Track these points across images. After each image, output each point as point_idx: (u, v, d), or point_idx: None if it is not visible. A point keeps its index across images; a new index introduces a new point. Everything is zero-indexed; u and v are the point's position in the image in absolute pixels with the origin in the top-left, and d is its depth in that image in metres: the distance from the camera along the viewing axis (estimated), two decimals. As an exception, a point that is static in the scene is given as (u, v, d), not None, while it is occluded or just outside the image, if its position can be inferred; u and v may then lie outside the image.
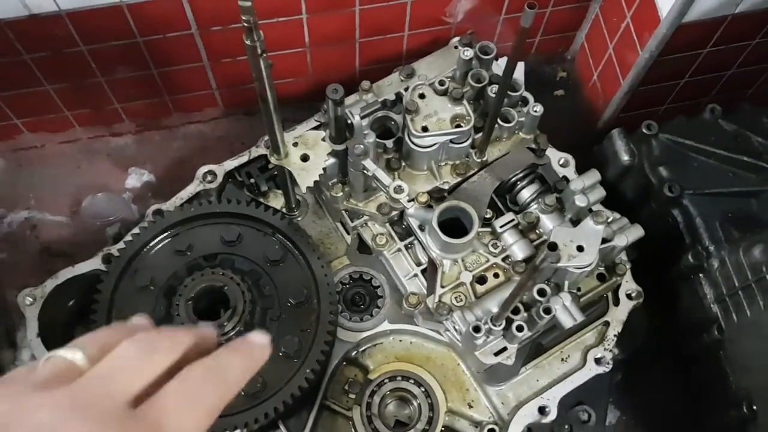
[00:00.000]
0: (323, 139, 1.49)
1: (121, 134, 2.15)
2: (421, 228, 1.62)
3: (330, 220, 1.80)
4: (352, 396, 1.66)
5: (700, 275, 1.73)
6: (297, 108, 1.98)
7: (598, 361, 1.65)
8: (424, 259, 1.65)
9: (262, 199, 1.78)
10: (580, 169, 1.72)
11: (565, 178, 1.73)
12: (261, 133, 1.79)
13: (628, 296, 1.69)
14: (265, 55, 1.13)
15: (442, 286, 1.58)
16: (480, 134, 1.64)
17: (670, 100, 2.08)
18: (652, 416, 1.95)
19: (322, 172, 1.45)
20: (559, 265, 1.41)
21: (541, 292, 1.48)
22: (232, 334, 1.50)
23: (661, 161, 1.82)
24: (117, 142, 2.15)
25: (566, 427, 1.69)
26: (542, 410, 1.61)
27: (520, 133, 1.72)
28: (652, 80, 1.92)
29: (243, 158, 1.80)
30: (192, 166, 1.82)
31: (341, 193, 1.65)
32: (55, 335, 1.67)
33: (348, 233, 1.76)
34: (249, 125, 2.21)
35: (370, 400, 1.65)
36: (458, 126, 1.59)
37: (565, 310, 1.46)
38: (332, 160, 1.54)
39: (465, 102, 1.59)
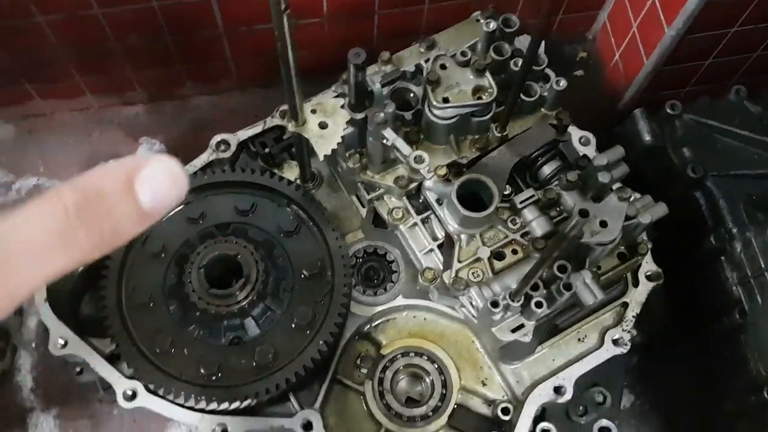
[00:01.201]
0: (342, 107, 1.45)
1: (133, 104, 2.12)
2: (439, 202, 1.58)
3: (345, 194, 1.77)
4: (364, 371, 1.63)
5: (722, 258, 1.69)
6: (313, 81, 1.94)
7: (615, 342, 1.62)
8: (440, 234, 1.62)
9: (276, 170, 1.74)
10: (600, 151, 1.68)
11: (586, 157, 1.69)
12: (275, 106, 1.76)
13: (648, 277, 1.66)
14: (288, 11, 1.10)
15: (459, 261, 1.55)
16: (501, 108, 1.61)
17: (694, 81, 2.03)
18: (667, 402, 1.92)
19: (340, 140, 1.42)
20: (582, 240, 1.38)
21: (562, 269, 1.45)
22: (244, 303, 1.47)
23: (684, 142, 1.78)
24: (128, 112, 2.12)
25: (581, 408, 1.66)
26: (558, 390, 1.58)
27: (542, 109, 1.69)
28: (676, 60, 1.88)
29: (257, 128, 1.76)
30: (204, 137, 1.78)
31: (358, 165, 1.61)
32: (62, 301, 1.64)
33: (363, 207, 1.73)
34: (263, 98, 2.17)
35: (382, 376, 1.63)
36: (480, 98, 1.55)
37: (585, 287, 1.43)
38: (351, 129, 1.51)
39: (488, 74, 1.55)
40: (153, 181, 0.56)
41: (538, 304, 1.45)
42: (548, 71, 1.69)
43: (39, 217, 0.52)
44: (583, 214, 1.00)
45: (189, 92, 2.13)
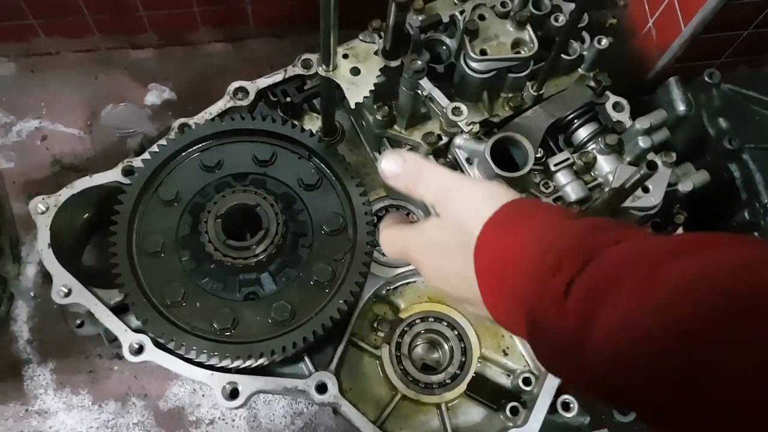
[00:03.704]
0: (376, 53, 1.37)
1: (142, 47, 2.01)
2: (469, 161, 1.51)
3: (367, 149, 1.68)
4: (381, 334, 1.57)
5: (755, 233, 1.63)
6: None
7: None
8: (468, 195, 1.55)
9: (296, 121, 1.66)
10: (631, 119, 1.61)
11: (620, 122, 1.62)
12: (291, 58, 1.66)
13: (678, 251, 1.60)
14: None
15: (488, 224, 1.48)
16: (538, 66, 1.53)
17: (730, 52, 1.96)
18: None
19: (372, 88, 1.34)
20: (623, 205, 1.31)
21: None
22: (262, 257, 1.39)
23: (721, 112, 1.71)
24: (137, 55, 2.02)
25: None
26: (581, 362, 1.52)
27: (580, 69, 1.61)
28: (716, 28, 1.80)
29: (278, 77, 1.67)
30: (215, 86, 1.70)
31: (386, 118, 1.53)
32: (66, 248, 1.56)
33: (386, 163, 1.64)
34: (278, 48, 2.08)
35: (399, 340, 1.56)
36: (519, 53, 1.47)
37: (622, 255, 1.36)
38: (383, 78, 1.42)
39: (528, 27, 1.47)
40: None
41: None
42: (584, 33, 1.62)
43: None
44: (652, 166, 0.93)
45: (202, 38, 2.03)
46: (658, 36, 1.99)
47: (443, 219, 0.92)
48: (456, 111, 1.38)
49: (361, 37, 1.65)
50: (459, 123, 1.38)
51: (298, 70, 1.67)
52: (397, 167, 0.97)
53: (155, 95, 1.98)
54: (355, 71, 1.34)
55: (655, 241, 0.74)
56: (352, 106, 1.33)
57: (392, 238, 1.02)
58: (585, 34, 1.62)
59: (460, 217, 0.88)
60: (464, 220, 0.87)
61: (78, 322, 1.57)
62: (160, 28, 1.96)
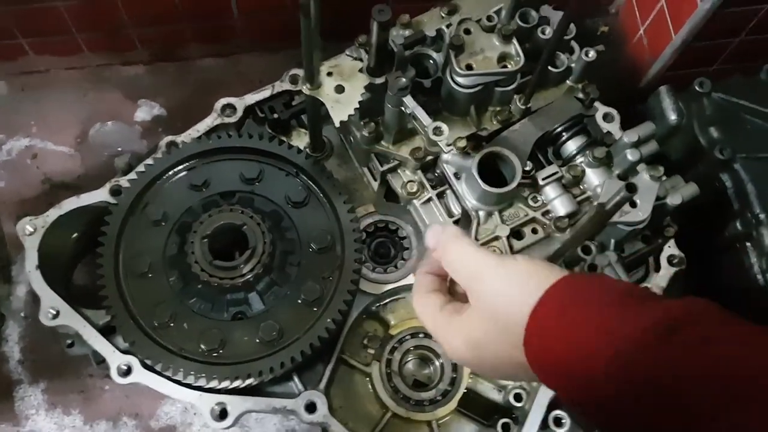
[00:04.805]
0: (360, 71, 1.36)
1: (133, 63, 2.01)
2: (457, 176, 1.49)
3: (356, 165, 1.68)
4: (371, 351, 1.56)
5: (747, 244, 1.62)
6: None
7: (634, 328, 1.54)
8: (457, 210, 1.54)
9: (284, 137, 1.65)
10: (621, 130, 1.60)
11: (609, 134, 1.61)
12: (281, 72, 1.66)
13: (670, 262, 1.59)
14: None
15: (476, 239, 1.47)
16: (526, 79, 1.52)
17: (722, 59, 1.95)
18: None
19: (357, 105, 1.33)
20: (612, 220, 1.30)
21: (586, 250, 1.37)
22: (249, 277, 1.39)
23: (712, 121, 1.70)
24: (128, 72, 2.01)
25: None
26: (573, 377, 1.50)
27: (568, 81, 1.60)
28: (707, 35, 1.79)
29: (265, 92, 1.66)
30: (206, 102, 1.69)
31: (372, 134, 1.52)
32: (56, 270, 1.55)
33: (375, 179, 1.64)
34: (269, 63, 2.07)
35: (390, 357, 1.55)
36: (505, 67, 1.46)
37: (611, 269, 1.36)
38: (368, 95, 1.41)
39: (515, 41, 1.46)
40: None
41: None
42: (573, 43, 1.61)
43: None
44: (631, 189, 0.92)
45: (192, 54, 2.02)
46: (650, 44, 1.98)
47: (479, 309, 0.86)
48: (437, 131, 1.37)
49: (347, 52, 1.64)
50: (439, 143, 1.37)
51: (285, 85, 1.66)
52: (433, 244, 0.94)
53: (145, 111, 1.98)
54: (340, 89, 1.34)
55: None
56: (337, 125, 1.32)
57: (426, 320, 0.95)
58: (574, 44, 1.61)
59: (496, 308, 0.82)
60: (503, 312, 0.81)
61: (69, 342, 1.57)
62: (150, 44, 1.96)
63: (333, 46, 1.57)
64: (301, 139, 1.67)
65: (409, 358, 1.59)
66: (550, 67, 1.54)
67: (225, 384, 1.38)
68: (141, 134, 1.95)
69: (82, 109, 1.95)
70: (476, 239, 1.47)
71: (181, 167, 1.52)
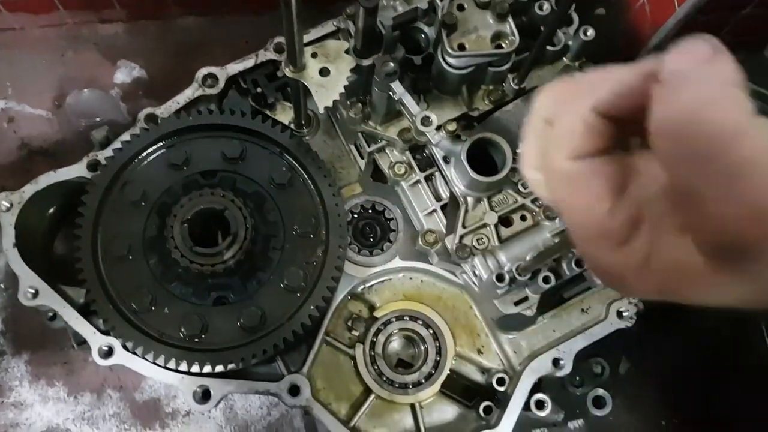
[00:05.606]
0: (347, 52, 1.29)
1: (111, 21, 1.91)
2: (446, 160, 1.45)
3: (343, 142, 1.62)
4: (356, 333, 1.55)
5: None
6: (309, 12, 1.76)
7: (620, 314, 1.53)
8: (445, 194, 1.50)
9: (268, 112, 1.59)
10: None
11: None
12: (269, 35, 1.58)
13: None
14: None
15: (464, 227, 1.44)
16: (521, 57, 1.45)
17: (726, 33, 1.87)
18: (664, 370, 1.87)
19: (342, 90, 1.27)
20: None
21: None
22: (230, 263, 1.36)
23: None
24: (106, 30, 1.92)
25: (577, 378, 1.61)
26: (556, 363, 1.50)
27: (564, 59, 1.53)
28: (712, 8, 1.71)
29: (249, 62, 1.59)
30: (189, 64, 1.62)
31: (360, 114, 1.46)
32: (33, 243, 1.52)
33: (362, 158, 1.59)
34: (256, 25, 1.98)
35: (374, 339, 1.54)
36: (499, 46, 1.39)
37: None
38: (354, 77, 1.35)
39: (510, 19, 1.38)
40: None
41: (546, 279, 1.36)
42: (573, 14, 1.53)
43: None
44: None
45: (175, 12, 1.93)
46: (652, 12, 1.90)
47: None
48: (425, 121, 1.32)
49: (334, 23, 1.57)
50: (427, 133, 1.32)
51: (270, 54, 1.59)
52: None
53: (125, 73, 1.90)
54: (325, 72, 1.27)
55: None
56: (321, 111, 1.27)
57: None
58: (573, 15, 1.54)
59: None
60: None
61: (50, 314, 1.55)
62: (129, 1, 1.86)
63: (316, 10, 1.49)
64: (286, 114, 1.61)
65: (394, 339, 1.58)
66: (547, 46, 1.47)
67: (207, 370, 1.37)
68: (121, 97, 1.87)
69: (59, 70, 1.87)
70: (464, 226, 1.44)
71: (159, 144, 1.46)
